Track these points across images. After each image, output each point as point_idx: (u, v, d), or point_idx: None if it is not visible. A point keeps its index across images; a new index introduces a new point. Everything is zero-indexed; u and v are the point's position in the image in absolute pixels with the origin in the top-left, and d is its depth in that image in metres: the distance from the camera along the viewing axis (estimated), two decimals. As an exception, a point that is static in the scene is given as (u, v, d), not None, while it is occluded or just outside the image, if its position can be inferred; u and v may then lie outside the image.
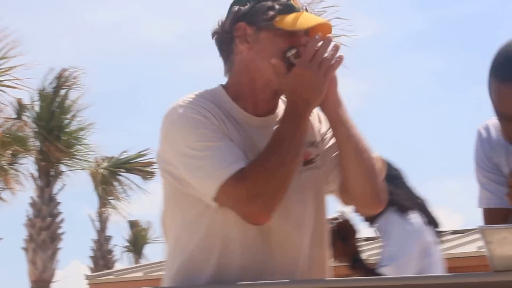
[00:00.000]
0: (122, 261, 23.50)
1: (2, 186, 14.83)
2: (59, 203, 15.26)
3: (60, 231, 15.24)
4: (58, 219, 15.23)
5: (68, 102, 15.10)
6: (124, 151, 16.12)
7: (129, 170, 16.02)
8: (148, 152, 15.94)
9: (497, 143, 2.25)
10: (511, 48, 2.10)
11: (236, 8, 2.12)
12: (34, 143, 14.95)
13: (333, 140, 2.16)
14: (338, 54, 2.03)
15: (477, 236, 10.33)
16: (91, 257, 18.97)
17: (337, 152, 2.14)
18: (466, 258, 10.79)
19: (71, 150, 15.09)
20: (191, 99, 2.05)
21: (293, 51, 2.06)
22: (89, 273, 15.56)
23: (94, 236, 18.93)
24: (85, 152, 15.31)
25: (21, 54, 13.38)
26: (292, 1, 2.09)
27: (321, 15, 11.40)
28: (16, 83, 13.62)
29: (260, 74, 2.08)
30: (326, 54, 2.02)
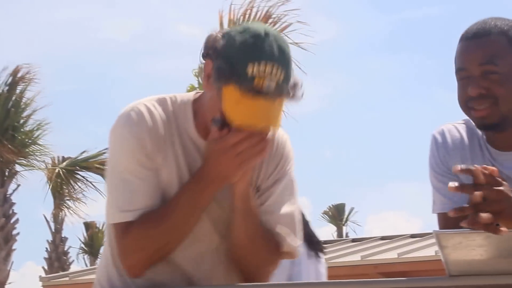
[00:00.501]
0: (78, 263, 23.30)
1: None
2: (14, 203, 15.07)
3: (14, 232, 15.05)
4: (13, 219, 15.02)
5: (23, 100, 14.89)
6: (84, 151, 15.92)
7: (87, 169, 15.79)
8: (108, 151, 15.77)
9: (453, 147, 2.26)
10: (480, 20, 2.20)
11: (213, 39, 1.98)
12: None
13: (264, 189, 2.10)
14: (260, 146, 1.95)
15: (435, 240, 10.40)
16: (46, 258, 18.76)
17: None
18: (424, 262, 10.83)
19: (26, 150, 14.88)
20: (142, 111, 2.01)
21: (217, 124, 1.96)
22: (43, 275, 15.34)
23: (50, 237, 18.74)
24: (41, 152, 15.11)
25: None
26: (260, 79, 1.89)
27: (282, 18, 11.41)
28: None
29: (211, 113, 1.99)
30: (247, 146, 1.94)
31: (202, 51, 2.02)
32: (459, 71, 2.17)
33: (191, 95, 2.10)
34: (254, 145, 1.95)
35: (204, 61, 2.01)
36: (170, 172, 2.02)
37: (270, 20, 11.29)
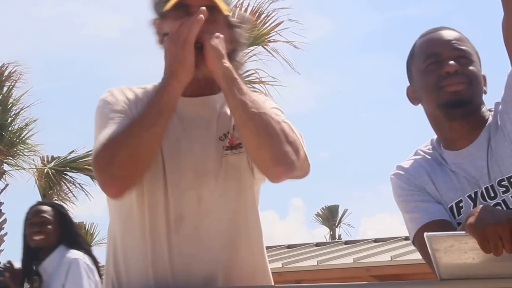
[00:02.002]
0: (68, 264, 23.15)
1: None
2: (1, 203, 14.96)
3: (2, 232, 14.92)
4: (0, 219, 14.91)
5: (10, 99, 14.74)
6: (73, 151, 15.71)
7: (77, 170, 15.58)
8: None
9: (414, 169, 2.31)
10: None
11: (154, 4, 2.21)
12: None
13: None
14: (194, 17, 2.03)
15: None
16: (35, 260, 18.62)
17: None
18: (417, 265, 10.67)
19: (14, 149, 14.75)
20: (120, 86, 2.22)
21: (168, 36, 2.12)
22: (31, 276, 15.19)
23: (38, 238, 18.59)
24: (29, 151, 14.97)
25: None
26: None
27: (273, 16, 11.25)
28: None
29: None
30: (186, 25, 2.05)
31: (151, 18, 2.21)
32: (428, 58, 2.25)
33: None
34: (191, 22, 2.04)
35: (152, 26, 2.21)
36: None
37: (261, 18, 11.15)
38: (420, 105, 2.34)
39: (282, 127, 2.06)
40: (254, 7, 11.23)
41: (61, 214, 4.51)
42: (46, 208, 4.49)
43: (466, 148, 2.25)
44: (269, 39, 11.20)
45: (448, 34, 2.29)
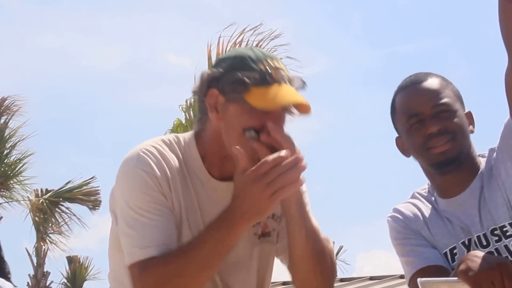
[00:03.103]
0: (61, 298, 23.05)
1: None
2: None
3: (-5, 265, 14.85)
4: (-6, 253, 14.84)
5: (7, 131, 14.78)
6: (69, 181, 15.68)
7: (71, 200, 15.55)
8: (93, 181, 15.59)
9: (410, 213, 2.32)
10: (413, 74, 2.35)
11: (209, 72, 1.99)
12: None
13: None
14: (294, 172, 1.82)
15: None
16: (28, 293, 18.56)
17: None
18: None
19: (9, 182, 14.72)
20: (152, 151, 2.00)
21: (252, 133, 1.91)
22: (24, 310, 15.15)
23: (32, 271, 18.52)
24: (24, 183, 14.95)
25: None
26: (272, 71, 1.94)
27: (272, 53, 11.30)
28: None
29: (227, 146, 1.98)
30: (280, 172, 1.81)
31: (200, 87, 2.01)
32: (411, 117, 2.25)
33: (191, 135, 2.08)
34: (287, 172, 1.82)
35: (203, 97, 2.00)
36: (181, 212, 1.99)
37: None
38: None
39: (331, 253, 2.04)
40: (254, 44, 11.30)
41: None
42: None
43: (458, 196, 2.26)
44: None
45: (426, 90, 2.27)
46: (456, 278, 1.90)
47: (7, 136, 14.79)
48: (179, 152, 2.04)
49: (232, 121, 1.95)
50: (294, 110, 1.97)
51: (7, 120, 14.79)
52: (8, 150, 14.83)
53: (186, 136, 2.08)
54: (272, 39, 11.27)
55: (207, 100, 1.99)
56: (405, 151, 2.35)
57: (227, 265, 2.00)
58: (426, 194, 2.36)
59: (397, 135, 2.37)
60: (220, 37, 11.23)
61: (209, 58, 11.29)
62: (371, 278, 14.81)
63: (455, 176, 2.25)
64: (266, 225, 2.10)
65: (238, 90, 1.94)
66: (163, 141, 2.04)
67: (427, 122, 2.23)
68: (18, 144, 14.81)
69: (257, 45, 11.28)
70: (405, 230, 2.30)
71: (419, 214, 2.32)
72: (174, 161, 2.01)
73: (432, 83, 2.29)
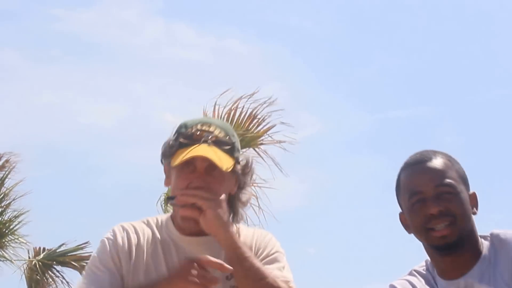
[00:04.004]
0: None
1: None
2: None
3: (-15, 325, 14.73)
4: (-15, 312, 14.71)
5: (2, 190, 14.67)
6: (62, 244, 15.49)
7: (64, 264, 15.31)
8: (87, 246, 15.31)
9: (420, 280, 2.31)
10: (419, 151, 2.35)
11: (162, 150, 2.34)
12: None
13: None
14: (208, 279, 2.18)
15: None
16: None
17: None
18: None
19: (3, 240, 14.59)
20: (127, 224, 2.35)
21: (172, 201, 2.25)
22: None
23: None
24: (18, 242, 14.78)
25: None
26: (194, 134, 2.21)
27: (266, 119, 11.41)
28: None
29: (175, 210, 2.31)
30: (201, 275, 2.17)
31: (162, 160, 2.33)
32: (412, 196, 2.25)
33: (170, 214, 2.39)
34: (205, 277, 2.14)
35: (164, 169, 2.33)
36: (148, 269, 2.26)
37: (254, 121, 11.32)
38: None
39: None
40: (248, 110, 11.43)
41: None
42: None
43: (458, 279, 2.24)
44: (261, 141, 11.36)
45: (430, 169, 2.26)
46: None
47: (2, 195, 14.69)
48: (153, 226, 2.35)
49: (174, 184, 2.27)
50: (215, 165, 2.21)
51: (2, 177, 14.72)
52: (3, 208, 14.73)
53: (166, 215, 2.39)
54: (267, 105, 11.40)
55: (164, 171, 2.33)
56: (407, 227, 2.33)
57: None
58: (424, 272, 2.35)
59: (400, 210, 2.36)
60: (215, 104, 11.37)
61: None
62: None
63: (456, 259, 2.24)
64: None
65: (168, 156, 2.26)
66: (146, 218, 2.37)
67: (428, 202, 2.22)
68: (13, 202, 14.71)
69: (252, 111, 11.44)
70: None
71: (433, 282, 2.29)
72: (143, 230, 2.33)
73: (437, 163, 2.27)
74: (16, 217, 14.71)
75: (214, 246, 2.24)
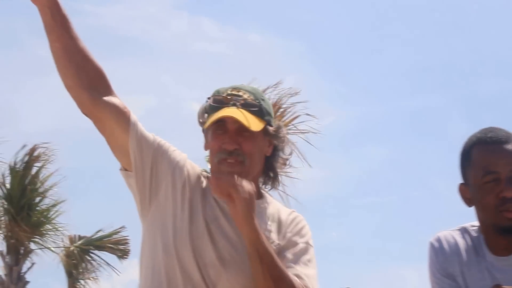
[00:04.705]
0: None
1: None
2: (27, 282, 14.92)
3: (27, 311, 14.89)
4: (26, 299, 14.90)
5: (40, 179, 14.88)
6: (100, 230, 15.78)
7: (101, 248, 15.67)
8: (122, 230, 15.68)
9: (450, 253, 2.35)
10: (490, 127, 2.34)
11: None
12: (3, 220, 14.66)
13: (286, 247, 2.32)
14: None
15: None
16: (60, 338, 18.45)
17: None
18: None
19: (41, 228, 14.81)
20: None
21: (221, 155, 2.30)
22: None
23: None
24: (56, 230, 15.06)
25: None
26: (223, 98, 2.32)
27: (291, 110, 11.64)
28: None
29: (213, 170, 2.33)
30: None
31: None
32: (487, 174, 2.26)
33: None
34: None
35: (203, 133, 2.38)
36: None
37: (279, 112, 11.54)
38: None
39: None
40: (273, 101, 11.66)
41: None
42: None
43: (508, 256, 2.29)
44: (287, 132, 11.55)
45: (508, 152, 2.27)
46: None
47: (39, 184, 14.92)
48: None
49: (208, 148, 2.34)
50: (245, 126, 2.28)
51: (39, 168, 14.90)
52: (40, 198, 15.00)
53: None
54: (292, 95, 11.61)
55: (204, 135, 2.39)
56: (468, 200, 2.34)
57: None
58: (475, 235, 2.37)
59: (461, 181, 2.37)
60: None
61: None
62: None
63: (510, 242, 2.27)
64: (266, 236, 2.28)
65: (202, 120, 2.35)
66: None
67: (503, 184, 2.23)
68: (49, 191, 14.97)
69: (277, 102, 11.68)
70: (443, 272, 2.33)
71: (460, 254, 2.33)
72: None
73: None
74: (53, 206, 14.96)
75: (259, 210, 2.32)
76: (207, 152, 2.37)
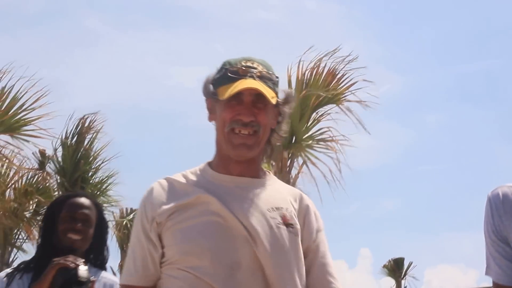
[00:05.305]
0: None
1: (24, 237, 14.76)
2: None
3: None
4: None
5: (92, 152, 14.95)
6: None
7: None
8: None
9: (507, 215, 2.25)
10: None
11: (203, 86, 2.38)
12: (57, 194, 14.60)
13: (306, 229, 2.34)
14: None
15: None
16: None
17: (309, 246, 2.34)
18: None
19: (95, 201, 14.92)
20: (155, 186, 2.35)
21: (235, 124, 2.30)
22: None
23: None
24: (109, 203, 15.15)
25: (47, 103, 13.15)
26: (239, 70, 2.30)
27: (347, 76, 11.58)
28: (40, 133, 13.12)
29: (219, 142, 2.35)
30: None
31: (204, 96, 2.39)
32: None
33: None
34: None
35: (206, 105, 2.37)
36: (206, 208, 2.25)
37: (336, 79, 11.49)
38: None
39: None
40: (330, 68, 11.59)
41: (101, 217, 3.50)
42: (89, 204, 3.45)
43: None
44: (344, 98, 11.53)
45: None
46: None
47: (92, 157, 14.96)
48: (189, 174, 2.36)
49: (218, 117, 2.32)
50: (264, 98, 2.28)
51: (91, 140, 14.94)
52: (93, 171, 15.07)
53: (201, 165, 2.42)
54: (348, 63, 11.56)
55: (207, 106, 2.38)
56: None
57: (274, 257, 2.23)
58: None
59: None
60: (300, 61, 11.58)
61: (289, 82, 11.64)
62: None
63: None
64: (287, 217, 2.30)
65: (215, 91, 2.32)
66: (180, 173, 2.40)
67: None
68: (102, 165, 15.03)
69: (333, 68, 11.63)
70: (498, 235, 2.27)
71: None
72: (190, 178, 2.34)
73: None
74: (107, 178, 15.05)
75: (251, 186, 2.33)
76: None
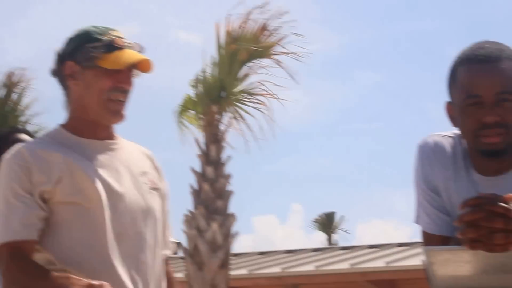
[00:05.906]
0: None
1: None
2: None
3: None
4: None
5: (20, 107, 14.68)
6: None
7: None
8: None
9: (437, 165, 2.26)
10: (483, 42, 2.18)
11: (61, 48, 2.43)
12: None
13: (165, 195, 2.50)
14: None
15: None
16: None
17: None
18: (411, 271, 11.07)
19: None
20: (27, 145, 2.35)
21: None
22: None
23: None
24: None
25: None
26: (114, 41, 2.39)
27: (278, 30, 11.63)
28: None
29: (90, 108, 2.39)
30: None
31: (57, 64, 2.42)
32: (469, 97, 2.11)
33: (55, 127, 2.46)
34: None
35: (61, 67, 2.41)
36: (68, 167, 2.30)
37: (266, 33, 11.53)
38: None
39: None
40: (260, 22, 11.61)
41: None
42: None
43: (496, 177, 2.20)
44: (274, 52, 11.56)
45: (494, 73, 2.10)
46: (459, 246, 1.92)
47: (20, 112, 14.71)
48: (51, 140, 2.38)
49: (91, 84, 2.36)
50: (140, 68, 2.41)
51: (18, 94, 14.64)
52: (22, 125, 14.17)
53: (50, 130, 2.45)
54: (279, 16, 11.58)
55: (65, 71, 2.40)
56: (453, 119, 2.22)
57: (140, 213, 2.37)
58: (464, 147, 2.24)
59: (449, 100, 2.22)
60: (229, 15, 11.56)
61: (218, 36, 11.64)
62: (370, 247, 15.22)
63: (497, 163, 2.18)
64: (154, 181, 2.47)
65: (92, 58, 2.35)
66: (38, 137, 2.49)
67: (485, 109, 2.10)
68: (31, 119, 14.74)
69: (264, 23, 11.66)
70: (428, 184, 2.26)
71: (448, 167, 2.24)
72: (50, 147, 2.33)
73: (502, 66, 2.10)
74: (35, 133, 14.73)
75: (116, 148, 2.45)
76: None
